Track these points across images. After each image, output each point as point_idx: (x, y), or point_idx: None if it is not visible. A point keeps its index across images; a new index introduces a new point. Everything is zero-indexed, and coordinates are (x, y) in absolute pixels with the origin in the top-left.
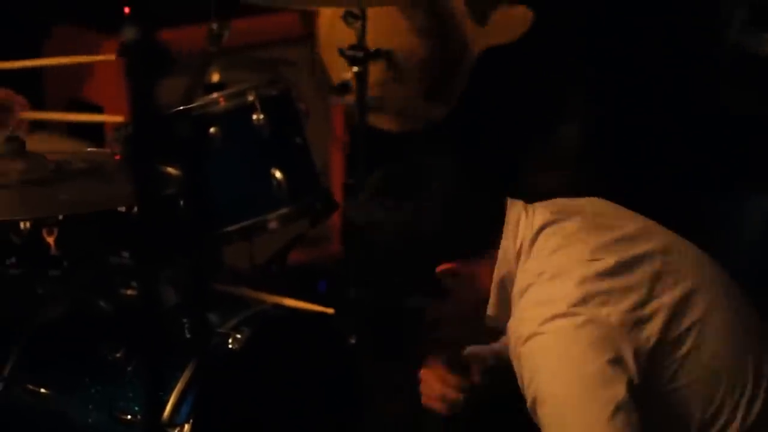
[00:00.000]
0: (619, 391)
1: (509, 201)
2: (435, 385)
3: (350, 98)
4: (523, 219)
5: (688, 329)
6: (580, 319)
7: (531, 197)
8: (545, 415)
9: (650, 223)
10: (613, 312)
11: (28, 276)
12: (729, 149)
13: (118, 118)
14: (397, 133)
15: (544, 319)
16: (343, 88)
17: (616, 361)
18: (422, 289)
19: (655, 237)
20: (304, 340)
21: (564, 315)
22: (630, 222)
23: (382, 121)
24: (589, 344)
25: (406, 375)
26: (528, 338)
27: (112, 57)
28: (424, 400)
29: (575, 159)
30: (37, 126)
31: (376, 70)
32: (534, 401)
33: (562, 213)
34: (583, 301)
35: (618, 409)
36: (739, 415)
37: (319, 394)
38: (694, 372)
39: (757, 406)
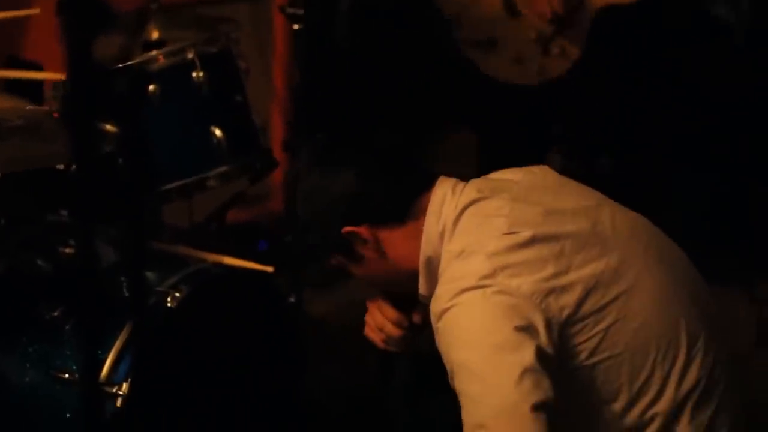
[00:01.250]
0: (527, 356)
1: (440, 178)
2: (377, 317)
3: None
4: (448, 198)
5: (612, 301)
6: (489, 290)
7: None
8: (458, 383)
9: (590, 194)
10: (524, 282)
11: None
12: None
13: (58, 76)
14: (512, 85)
15: (455, 293)
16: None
17: (524, 329)
18: (341, 251)
19: (589, 210)
20: (244, 298)
21: (473, 288)
22: (568, 195)
23: (496, 69)
24: (496, 313)
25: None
26: (442, 313)
27: (37, 11)
28: (365, 330)
29: None
30: None
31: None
32: (451, 374)
33: (490, 190)
34: (493, 273)
35: (525, 372)
36: (671, 385)
37: (259, 353)
38: (619, 344)
39: (693, 371)
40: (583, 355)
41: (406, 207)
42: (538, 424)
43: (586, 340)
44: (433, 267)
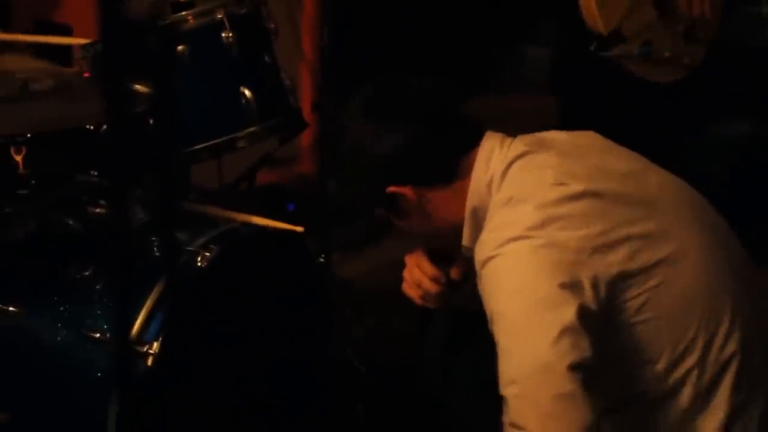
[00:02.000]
0: (568, 314)
1: (487, 133)
2: (414, 273)
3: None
4: (497, 151)
5: (659, 261)
6: (536, 242)
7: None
8: (497, 334)
9: (637, 158)
10: (573, 237)
11: None
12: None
13: (87, 41)
14: (664, 83)
15: (501, 242)
16: (616, 36)
17: (569, 286)
18: (386, 208)
19: (636, 173)
20: (273, 258)
21: (520, 237)
22: (615, 157)
23: (649, 72)
24: (541, 267)
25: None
26: (486, 261)
27: None
28: (403, 286)
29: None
30: (5, 48)
31: (644, 11)
32: (490, 321)
33: (538, 145)
34: (541, 224)
35: (564, 331)
36: (714, 351)
37: (288, 314)
38: (665, 304)
39: (733, 340)
40: (629, 312)
41: (453, 167)
42: (574, 384)
43: (633, 298)
44: (479, 217)
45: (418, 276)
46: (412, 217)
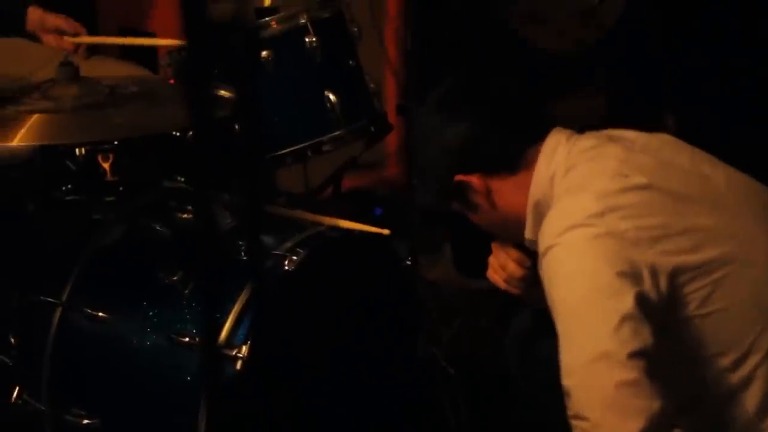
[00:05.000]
0: (627, 302)
1: (555, 128)
2: (500, 256)
3: None
4: (562, 145)
5: (724, 255)
6: (595, 230)
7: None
8: (558, 323)
9: (713, 162)
10: (632, 227)
11: (85, 202)
12: None
13: (173, 42)
14: (552, 52)
15: (561, 230)
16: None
17: (628, 274)
18: (456, 198)
19: (704, 168)
20: (360, 261)
21: (580, 226)
22: (683, 154)
23: (542, 38)
24: (600, 255)
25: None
26: (547, 250)
27: None
28: (488, 272)
29: None
30: (91, 53)
31: None
32: (551, 310)
33: (606, 139)
34: (602, 213)
35: (624, 319)
36: None
37: (375, 316)
38: (731, 296)
39: None
40: (693, 305)
41: (519, 157)
42: (636, 371)
43: (696, 290)
44: (541, 210)
45: (504, 259)
46: (479, 208)
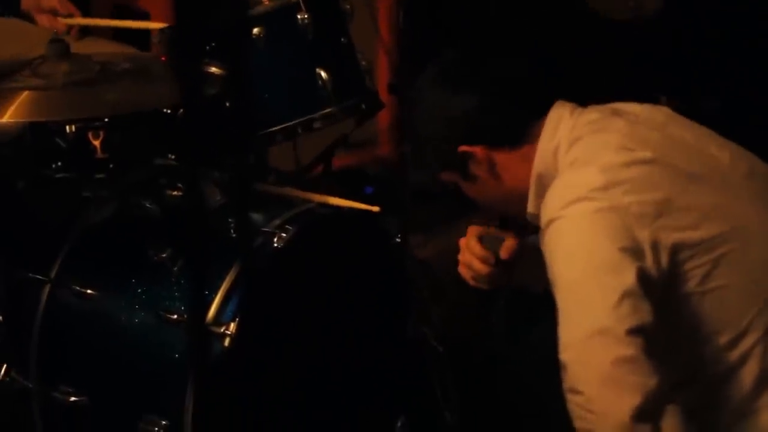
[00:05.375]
0: (628, 278)
1: (558, 101)
2: (465, 254)
3: None
4: (565, 118)
5: (726, 232)
6: (598, 204)
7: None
8: (558, 298)
9: (716, 139)
10: (635, 201)
11: (75, 179)
12: None
13: (164, 25)
14: (608, 19)
15: (564, 204)
16: None
17: (629, 250)
18: (455, 168)
19: (708, 146)
20: (350, 239)
21: (583, 199)
22: (687, 130)
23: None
24: (602, 230)
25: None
26: (549, 223)
27: None
28: (459, 267)
29: None
30: (84, 34)
31: None
32: (551, 284)
33: (610, 113)
34: (605, 187)
35: (624, 295)
36: None
37: (365, 294)
38: (732, 274)
39: None
40: (693, 282)
41: (524, 130)
42: (634, 348)
43: (696, 267)
44: (544, 184)
45: (469, 257)
46: (481, 180)
